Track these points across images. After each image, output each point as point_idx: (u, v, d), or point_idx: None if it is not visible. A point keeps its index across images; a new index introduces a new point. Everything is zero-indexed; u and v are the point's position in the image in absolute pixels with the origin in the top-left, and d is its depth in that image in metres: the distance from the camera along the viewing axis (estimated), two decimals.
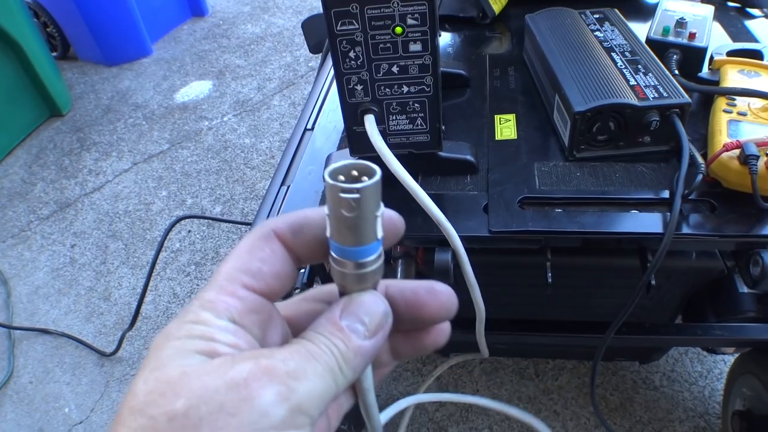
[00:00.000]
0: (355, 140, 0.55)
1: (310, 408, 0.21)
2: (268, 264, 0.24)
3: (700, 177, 0.55)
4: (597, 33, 0.71)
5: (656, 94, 0.59)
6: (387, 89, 0.52)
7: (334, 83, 0.82)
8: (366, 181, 0.21)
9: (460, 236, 0.40)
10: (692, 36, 0.75)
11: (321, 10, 0.49)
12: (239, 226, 1.63)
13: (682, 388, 1.09)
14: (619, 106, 0.58)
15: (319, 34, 0.98)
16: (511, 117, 0.69)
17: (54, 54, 2.61)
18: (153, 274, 1.26)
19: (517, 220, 0.55)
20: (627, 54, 0.66)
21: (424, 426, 1.09)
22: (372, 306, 0.25)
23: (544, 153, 0.63)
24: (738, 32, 0.85)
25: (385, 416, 0.38)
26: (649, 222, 0.55)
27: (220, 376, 0.20)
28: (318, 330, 0.24)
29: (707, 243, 0.56)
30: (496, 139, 0.66)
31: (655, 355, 0.95)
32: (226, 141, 1.95)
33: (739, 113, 0.63)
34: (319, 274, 0.65)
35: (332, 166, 0.22)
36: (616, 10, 0.76)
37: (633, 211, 0.56)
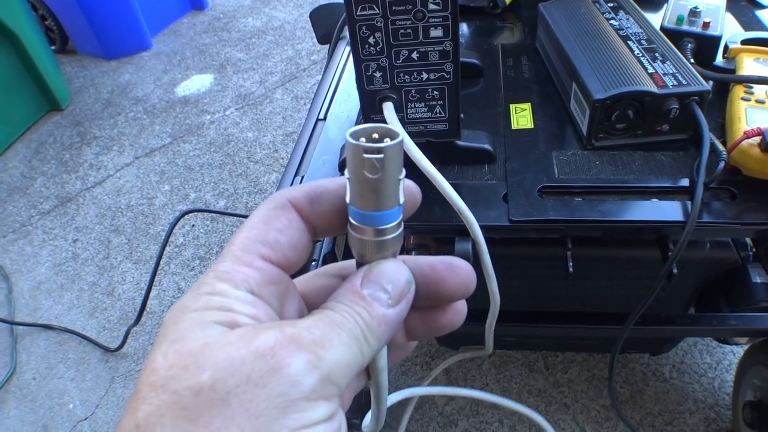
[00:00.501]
0: None
1: (339, 377, 0.20)
2: (286, 235, 0.23)
3: (722, 165, 0.55)
4: (612, 21, 0.70)
5: (675, 82, 0.59)
6: (406, 76, 0.52)
7: (345, 73, 0.81)
8: (389, 142, 0.21)
9: (480, 226, 0.40)
10: (706, 25, 0.74)
11: (323, 1, 0.48)
12: (244, 220, 1.62)
13: (692, 379, 1.09)
14: (639, 94, 0.57)
15: (328, 24, 0.97)
16: (527, 106, 0.68)
17: (53, 47, 2.58)
18: (158, 269, 1.25)
19: (538, 209, 0.55)
20: (643, 42, 0.66)
21: (434, 420, 1.09)
22: (394, 274, 0.24)
23: (561, 142, 0.63)
24: (749, 22, 0.84)
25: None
26: (671, 210, 0.54)
27: (245, 345, 0.19)
28: (339, 300, 0.23)
29: (729, 231, 0.55)
30: (513, 128, 0.65)
31: (666, 346, 0.95)
32: (228, 135, 1.94)
33: (758, 101, 0.62)
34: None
35: (354, 128, 0.21)
36: None
37: (654, 200, 0.56)
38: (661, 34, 0.68)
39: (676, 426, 1.03)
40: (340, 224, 0.24)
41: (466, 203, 0.33)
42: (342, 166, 0.63)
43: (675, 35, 0.72)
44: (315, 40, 1.29)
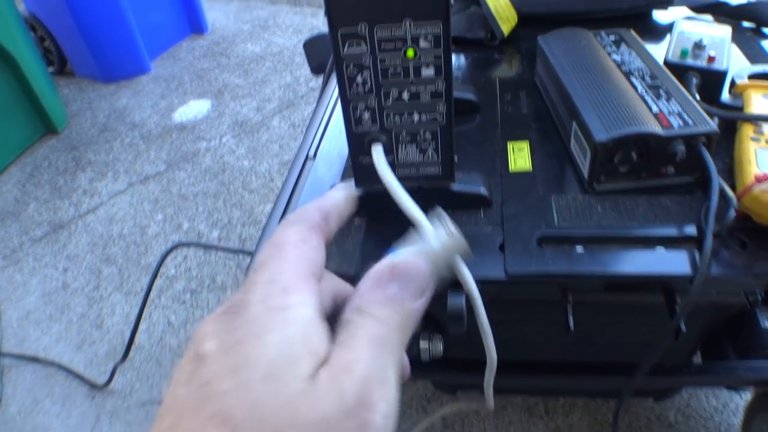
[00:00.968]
0: (360, 172, 0.51)
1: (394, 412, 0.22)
2: (321, 254, 0.25)
3: (732, 214, 0.51)
4: (614, 56, 0.67)
5: (681, 122, 0.56)
6: (397, 117, 0.48)
7: (338, 108, 0.78)
8: None
9: (475, 279, 0.36)
10: (711, 59, 0.71)
11: (322, 30, 0.46)
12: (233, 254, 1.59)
13: (697, 424, 1.04)
14: (643, 136, 0.54)
15: (322, 54, 0.95)
16: (525, 144, 0.65)
17: (50, 69, 2.58)
18: (147, 302, 1.22)
19: (536, 260, 0.51)
20: (647, 78, 0.63)
21: None
22: (413, 265, 0.25)
23: (561, 184, 0.60)
24: (755, 54, 0.82)
25: None
26: (678, 261, 0.51)
27: (334, 402, 0.19)
28: (370, 304, 0.23)
29: (740, 285, 0.52)
30: (510, 170, 0.62)
31: (671, 392, 0.91)
32: (224, 163, 1.91)
33: None
34: None
35: None
36: (632, 31, 0.73)
37: (659, 249, 0.52)
38: (666, 69, 0.65)
39: None
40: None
41: None
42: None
43: (679, 69, 0.70)
44: None
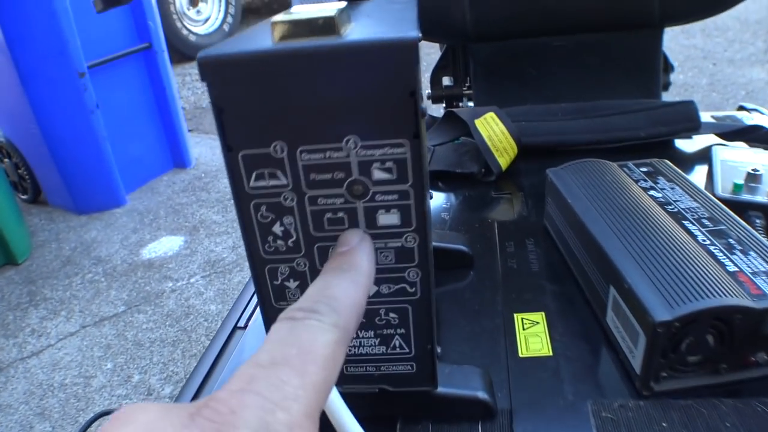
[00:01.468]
0: None
1: None
2: None
3: None
4: (652, 192, 0.50)
5: None
6: None
7: None
8: None
9: None
10: None
11: None
12: None
13: None
14: (726, 310, 0.36)
15: None
16: (539, 317, 0.46)
17: (24, 197, 2.50)
18: None
19: None
20: (705, 222, 0.45)
21: None
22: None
23: (598, 382, 0.40)
24: None
25: None
26: None
27: None
28: None
29: None
30: (521, 355, 0.42)
31: None
32: (189, 306, 1.72)
33: None
34: None
35: None
36: (667, 161, 0.57)
37: None
38: (726, 209, 0.48)
39: None
40: None
41: None
42: None
43: (735, 208, 0.52)
44: None
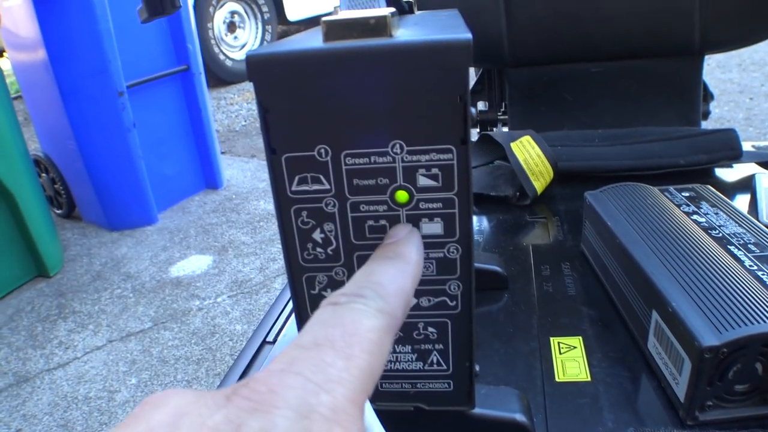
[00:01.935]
0: None
1: None
2: None
3: None
4: (695, 216, 0.49)
5: None
6: None
7: None
8: None
9: None
10: None
11: None
12: None
13: None
14: None
15: None
16: (577, 342, 0.45)
17: (59, 212, 2.54)
18: None
19: None
20: (752, 247, 0.44)
21: None
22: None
23: (638, 410, 0.38)
24: None
25: None
26: None
27: None
28: None
29: None
30: (557, 379, 0.41)
31: None
32: (215, 325, 1.72)
33: None
34: None
35: None
36: (710, 187, 0.55)
37: None
38: None
39: None
40: None
41: None
42: None
43: None
44: None
